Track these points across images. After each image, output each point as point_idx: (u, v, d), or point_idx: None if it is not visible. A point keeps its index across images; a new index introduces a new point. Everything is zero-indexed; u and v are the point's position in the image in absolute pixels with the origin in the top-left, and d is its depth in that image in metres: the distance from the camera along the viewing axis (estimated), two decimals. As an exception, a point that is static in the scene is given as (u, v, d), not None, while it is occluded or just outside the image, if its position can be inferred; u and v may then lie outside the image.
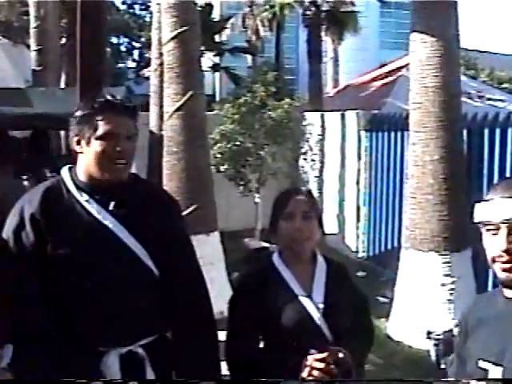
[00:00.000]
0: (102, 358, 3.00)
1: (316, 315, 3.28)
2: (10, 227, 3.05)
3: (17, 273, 2.93)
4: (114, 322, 3.01)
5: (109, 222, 3.04)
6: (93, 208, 3.05)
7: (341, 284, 3.43)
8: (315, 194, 14.56)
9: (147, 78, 18.81)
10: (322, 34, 25.08)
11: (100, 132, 3.00)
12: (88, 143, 3.04)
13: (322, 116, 14.96)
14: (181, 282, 3.23)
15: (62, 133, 13.37)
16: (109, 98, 3.10)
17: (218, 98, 30.27)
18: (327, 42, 28.01)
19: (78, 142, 3.08)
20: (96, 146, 3.01)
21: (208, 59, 27.90)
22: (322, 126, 14.60)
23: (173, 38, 8.75)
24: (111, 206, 3.06)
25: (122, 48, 45.56)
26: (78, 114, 3.09)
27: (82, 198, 3.07)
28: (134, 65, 46.62)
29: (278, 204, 3.41)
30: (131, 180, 3.18)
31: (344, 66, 36.16)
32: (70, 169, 3.17)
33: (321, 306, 3.30)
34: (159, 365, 3.11)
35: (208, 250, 8.57)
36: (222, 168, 12.75)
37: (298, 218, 3.34)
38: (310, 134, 14.16)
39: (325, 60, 27.73)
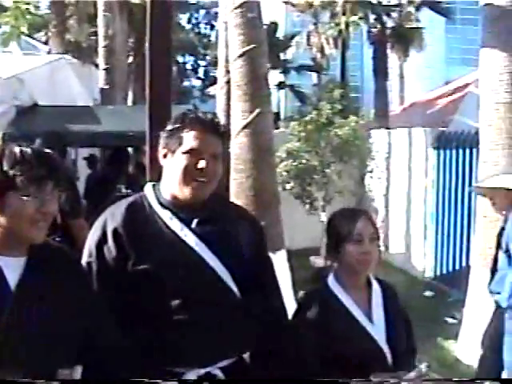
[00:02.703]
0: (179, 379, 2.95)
1: (381, 340, 3.23)
2: (92, 241, 3.04)
3: (97, 288, 2.91)
4: (193, 343, 2.94)
5: (191, 240, 2.99)
6: (175, 225, 3.01)
7: (396, 307, 3.41)
8: (382, 212, 14.51)
9: (212, 96, 18.94)
10: (388, 51, 25.04)
11: (185, 147, 2.98)
12: (173, 157, 3.02)
13: (389, 133, 14.86)
14: (262, 303, 3.17)
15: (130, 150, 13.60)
16: (199, 114, 3.08)
17: (282, 116, 30.30)
18: (392, 59, 27.87)
19: (165, 156, 3.08)
20: (179, 160, 2.99)
21: (273, 77, 27.98)
22: (389, 144, 14.49)
23: (241, 56, 8.76)
24: (194, 223, 3.02)
25: (187, 66, 46.08)
26: (168, 127, 3.08)
27: (165, 214, 3.03)
28: (198, 83, 47.10)
29: (343, 225, 3.33)
30: (214, 199, 3.14)
31: (410, 83, 35.91)
32: (153, 186, 3.15)
33: (383, 330, 3.26)
34: None
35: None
36: (287, 186, 12.75)
37: (366, 240, 3.28)
38: (377, 151, 14.09)
39: (390, 77, 27.61)
